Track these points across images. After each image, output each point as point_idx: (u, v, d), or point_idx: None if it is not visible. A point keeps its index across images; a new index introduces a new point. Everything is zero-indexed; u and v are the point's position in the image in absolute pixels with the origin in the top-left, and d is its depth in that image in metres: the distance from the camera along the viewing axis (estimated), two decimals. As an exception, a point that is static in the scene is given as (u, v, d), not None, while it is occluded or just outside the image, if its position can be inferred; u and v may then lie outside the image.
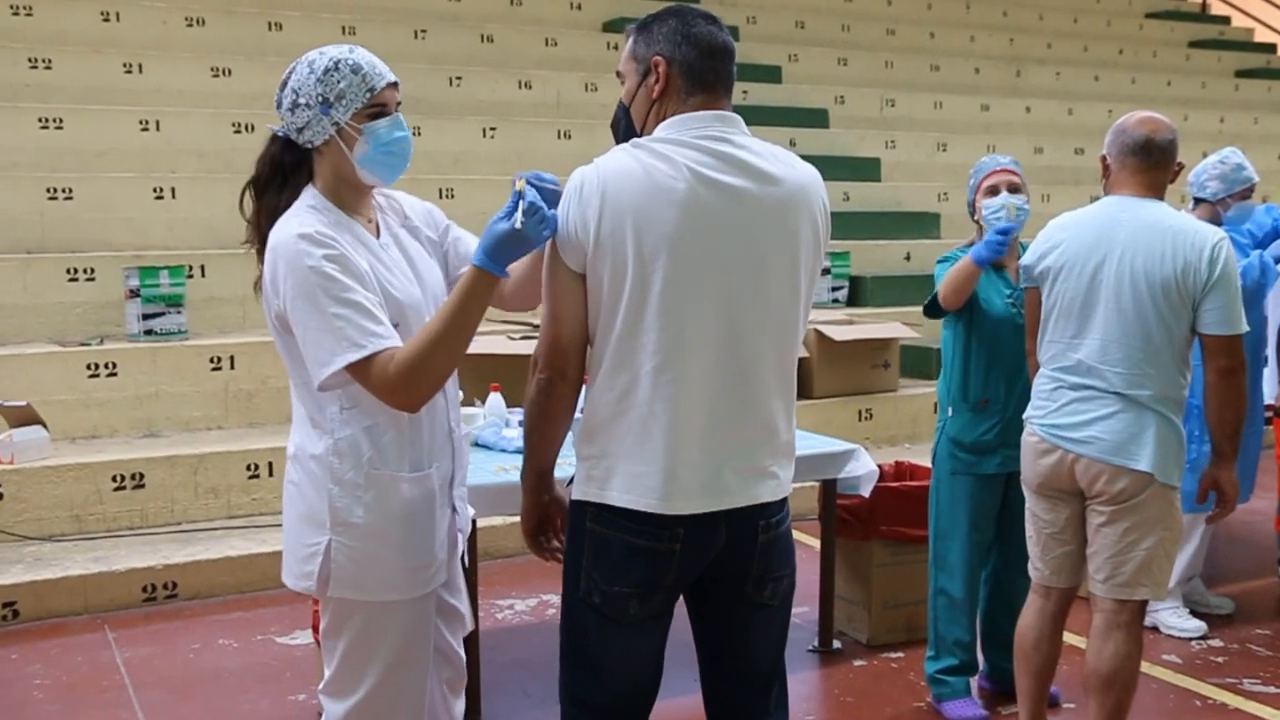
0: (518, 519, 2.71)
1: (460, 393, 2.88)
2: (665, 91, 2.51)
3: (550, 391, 2.50)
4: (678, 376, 2.40)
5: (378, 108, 2.57)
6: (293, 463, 2.68)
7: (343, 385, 2.52)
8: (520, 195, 2.42)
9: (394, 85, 2.62)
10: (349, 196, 2.63)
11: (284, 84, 2.59)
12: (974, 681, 4.33)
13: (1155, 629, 4.96)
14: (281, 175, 2.63)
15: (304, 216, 2.54)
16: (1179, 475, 3.47)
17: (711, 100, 2.50)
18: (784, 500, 2.58)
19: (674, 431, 2.41)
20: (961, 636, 4.23)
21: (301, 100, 2.55)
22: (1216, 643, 4.90)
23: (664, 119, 2.50)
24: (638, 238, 2.37)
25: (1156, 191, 3.50)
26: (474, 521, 3.45)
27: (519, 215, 2.40)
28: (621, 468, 2.44)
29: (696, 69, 2.49)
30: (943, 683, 4.25)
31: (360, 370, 2.45)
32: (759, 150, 2.48)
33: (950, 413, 4.19)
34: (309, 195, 2.61)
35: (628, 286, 2.39)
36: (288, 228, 2.52)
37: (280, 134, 2.63)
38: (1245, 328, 3.37)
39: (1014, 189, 4.12)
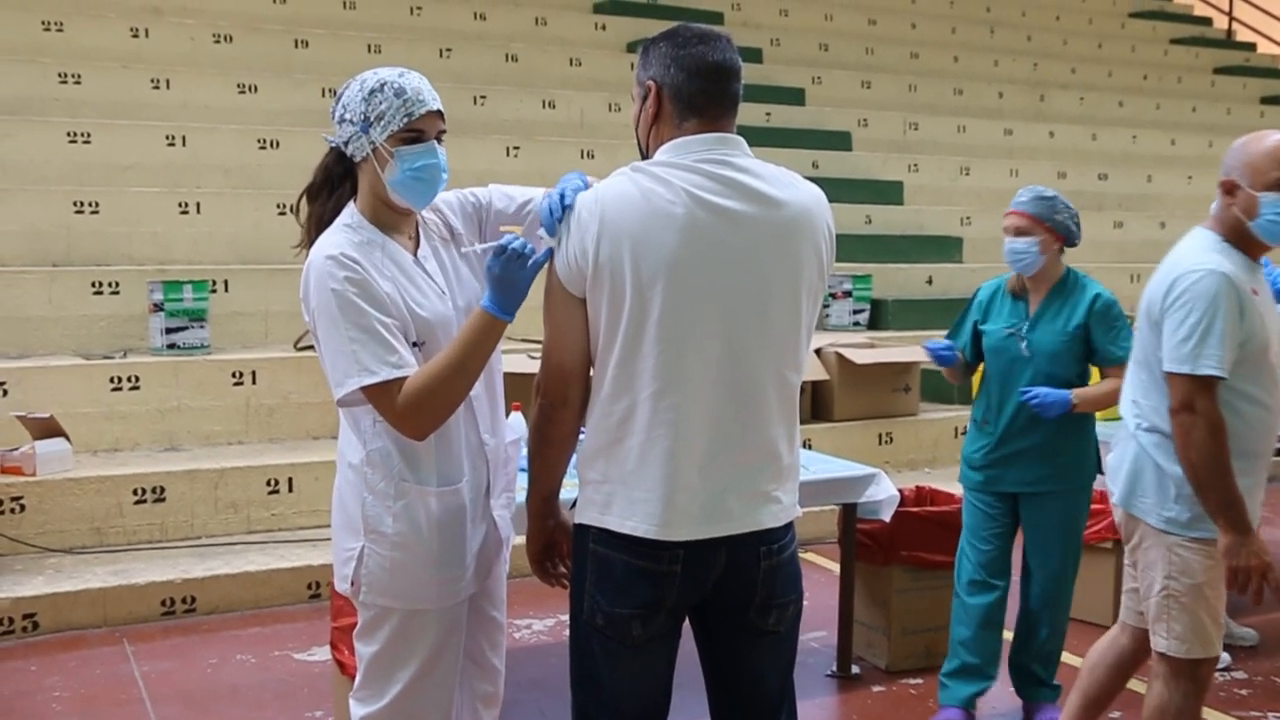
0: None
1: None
2: (659, 116, 2.51)
3: (552, 417, 2.51)
4: (677, 403, 2.39)
5: (414, 133, 2.61)
6: (338, 468, 2.76)
7: (358, 404, 2.59)
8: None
9: (437, 114, 2.65)
10: (386, 214, 2.68)
11: (339, 97, 2.67)
12: (982, 699, 4.33)
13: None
14: (330, 184, 2.72)
15: (335, 236, 2.61)
16: (1175, 520, 3.20)
17: (708, 122, 2.47)
18: (788, 525, 2.56)
19: (673, 458, 2.40)
20: (962, 635, 4.26)
21: (347, 116, 2.63)
22: (1240, 675, 4.85)
23: (662, 143, 2.49)
24: (635, 263, 2.36)
25: (1209, 220, 3.30)
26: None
27: (489, 260, 2.50)
28: (621, 493, 2.44)
29: (685, 92, 2.47)
30: (944, 686, 4.30)
31: (372, 395, 2.53)
32: (761, 172, 2.46)
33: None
34: (348, 213, 2.68)
35: (626, 312, 2.38)
36: (320, 247, 2.60)
37: (334, 144, 2.70)
38: (1195, 369, 3.06)
39: (1019, 232, 4.10)
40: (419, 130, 2.62)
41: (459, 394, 2.56)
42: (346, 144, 2.65)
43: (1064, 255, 4.18)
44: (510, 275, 2.49)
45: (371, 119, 2.60)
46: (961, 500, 4.85)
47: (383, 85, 2.61)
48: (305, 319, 2.64)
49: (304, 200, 2.76)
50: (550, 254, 2.47)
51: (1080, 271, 4.22)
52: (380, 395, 2.52)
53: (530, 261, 2.49)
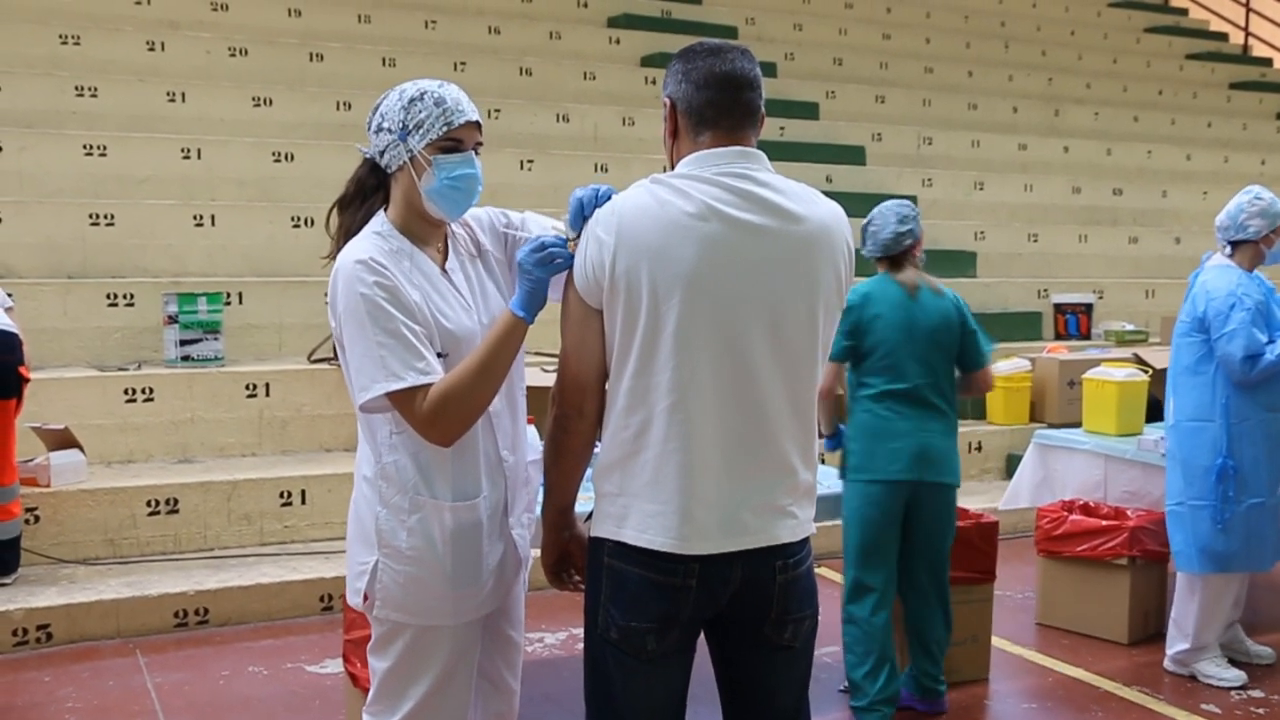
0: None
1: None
2: (676, 131, 2.52)
3: (568, 428, 2.51)
4: (692, 415, 2.39)
5: (452, 142, 2.63)
6: (355, 481, 2.77)
7: (381, 410, 2.58)
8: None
9: (475, 125, 2.67)
10: (417, 225, 2.69)
11: (376, 107, 2.69)
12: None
13: (1194, 678, 4.88)
14: (362, 196, 2.73)
15: (365, 242, 2.63)
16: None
17: (724, 135, 2.47)
18: (804, 541, 2.55)
19: (689, 471, 2.40)
20: None
21: (385, 125, 2.65)
22: (1257, 693, 4.81)
23: (683, 158, 2.50)
24: (652, 275, 2.36)
25: None
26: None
27: (523, 254, 2.52)
28: (637, 506, 2.43)
29: (695, 105, 2.48)
30: None
31: (398, 401, 2.53)
32: (781, 187, 2.46)
33: None
34: (378, 221, 2.69)
35: (642, 324, 2.38)
36: (349, 253, 2.61)
37: (368, 155, 2.71)
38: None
39: None
40: (457, 140, 2.64)
41: (484, 398, 2.56)
42: (382, 153, 2.66)
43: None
44: (540, 273, 2.50)
45: (410, 127, 2.61)
46: (971, 515, 4.85)
47: (422, 95, 2.63)
48: (331, 324, 2.65)
49: (335, 212, 2.77)
50: (571, 260, 2.49)
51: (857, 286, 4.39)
52: (406, 401, 2.52)
53: (561, 260, 2.49)
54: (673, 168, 2.54)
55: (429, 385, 2.51)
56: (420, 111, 2.61)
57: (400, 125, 2.62)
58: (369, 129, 2.69)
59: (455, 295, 2.68)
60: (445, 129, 2.62)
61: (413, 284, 2.59)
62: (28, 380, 5.37)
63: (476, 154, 2.68)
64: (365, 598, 2.69)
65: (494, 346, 2.54)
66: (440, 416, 2.51)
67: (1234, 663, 4.97)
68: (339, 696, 4.52)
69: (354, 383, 2.57)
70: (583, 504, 2.65)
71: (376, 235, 2.65)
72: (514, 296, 2.54)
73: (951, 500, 4.40)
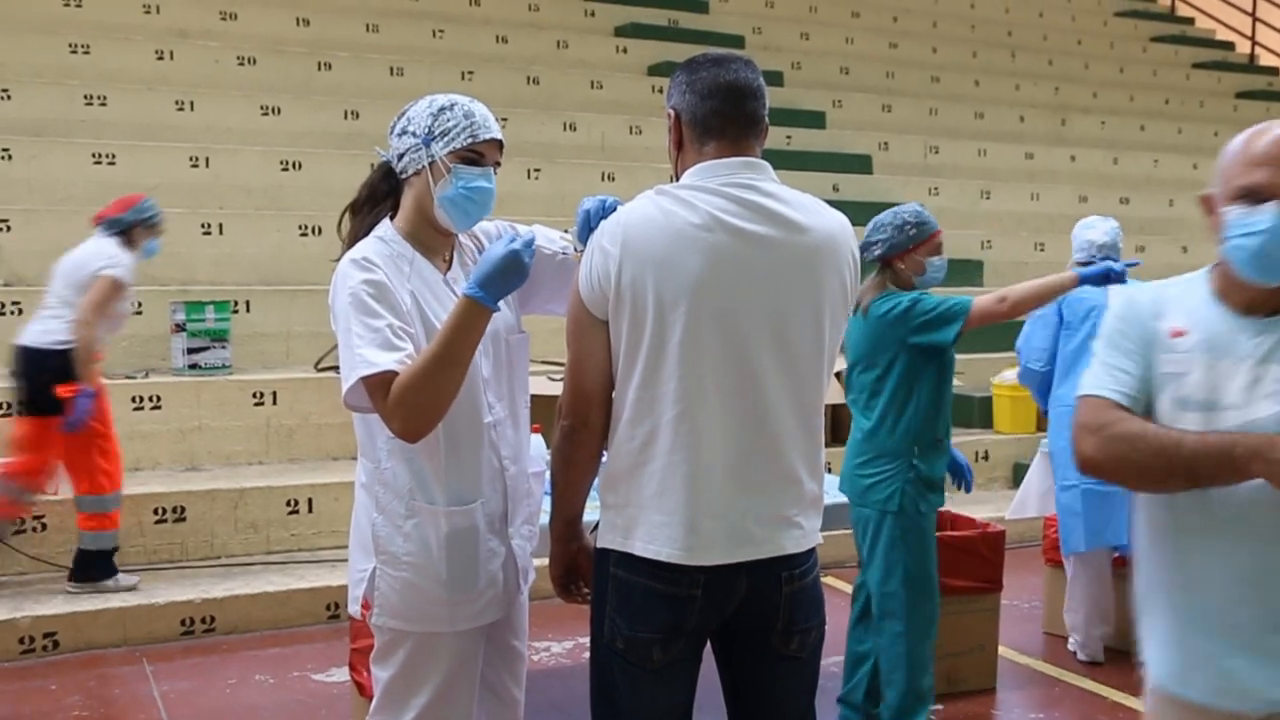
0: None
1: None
2: (680, 142, 2.52)
3: (574, 439, 2.51)
4: (698, 426, 2.39)
5: (474, 155, 2.65)
6: (355, 489, 2.77)
7: (364, 406, 2.55)
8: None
9: (498, 144, 2.70)
10: (424, 233, 2.69)
11: (403, 112, 2.71)
12: None
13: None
14: (372, 201, 2.75)
15: (364, 244, 2.64)
16: None
17: (728, 145, 2.47)
18: (811, 551, 2.54)
19: (695, 482, 2.40)
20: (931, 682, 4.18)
21: (410, 128, 2.66)
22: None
23: (687, 169, 2.50)
24: (658, 286, 2.36)
25: None
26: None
27: (514, 246, 2.49)
28: (644, 518, 2.43)
29: (700, 117, 2.48)
30: None
31: (372, 390, 2.49)
32: (786, 197, 2.46)
33: (916, 451, 4.07)
34: (382, 227, 2.70)
35: (647, 335, 2.38)
36: (347, 255, 2.63)
37: (385, 159, 2.73)
38: None
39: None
40: (479, 153, 2.65)
41: (446, 386, 2.49)
42: (401, 156, 2.67)
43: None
44: (521, 270, 2.49)
45: (435, 133, 2.63)
46: (978, 524, 4.81)
47: (453, 105, 2.66)
48: (332, 327, 2.65)
49: (347, 215, 2.79)
50: (532, 254, 2.52)
51: None
52: (378, 389, 2.48)
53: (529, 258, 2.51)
54: (678, 178, 2.54)
55: (395, 374, 2.48)
56: (449, 120, 2.63)
57: (426, 130, 2.64)
58: (391, 131, 2.71)
59: (454, 301, 2.68)
60: (470, 140, 2.63)
61: (407, 286, 2.60)
62: (68, 396, 5.25)
63: (494, 172, 2.69)
64: (364, 606, 2.68)
65: (448, 333, 2.49)
66: (400, 408, 2.46)
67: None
68: (345, 705, 4.52)
69: (341, 377, 2.56)
70: (589, 513, 2.64)
71: (379, 240, 2.66)
72: (470, 280, 2.51)
73: (862, 521, 4.09)
